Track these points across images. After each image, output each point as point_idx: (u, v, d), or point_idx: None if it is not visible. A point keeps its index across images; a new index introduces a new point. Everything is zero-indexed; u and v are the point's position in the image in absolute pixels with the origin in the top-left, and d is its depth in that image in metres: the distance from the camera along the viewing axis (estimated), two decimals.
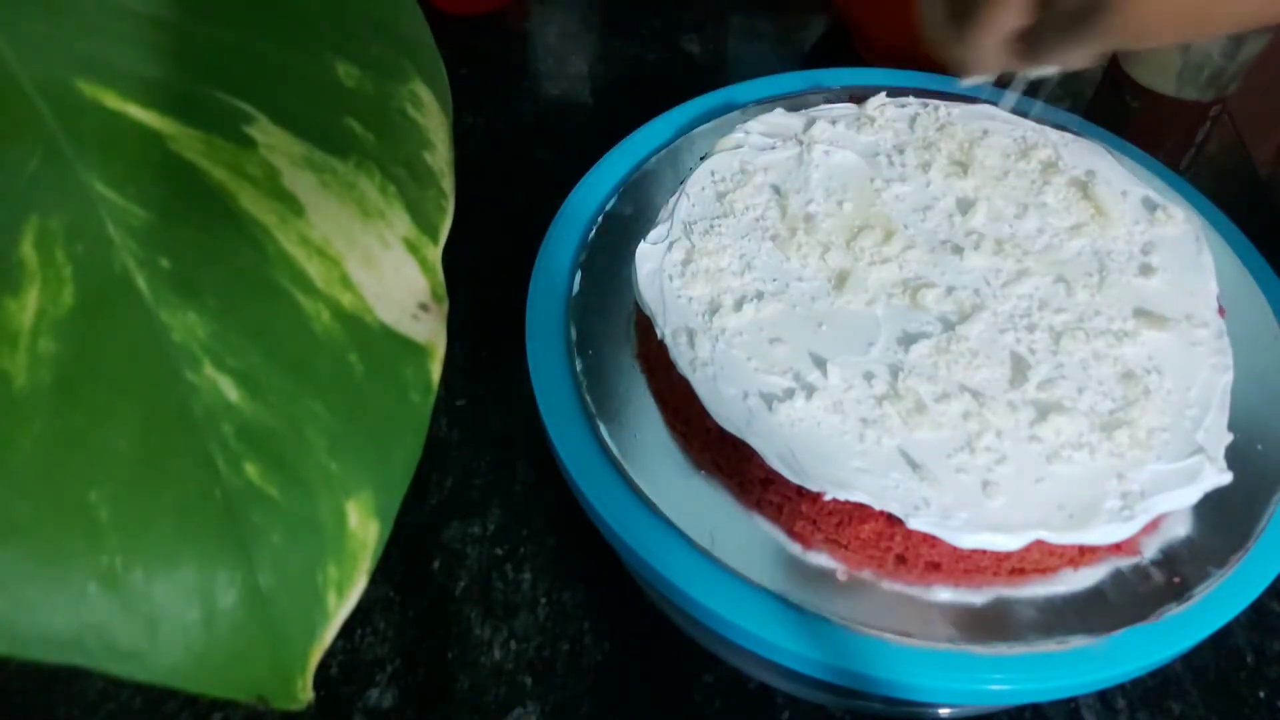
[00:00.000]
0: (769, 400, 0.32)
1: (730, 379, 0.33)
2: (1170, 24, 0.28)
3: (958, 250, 0.36)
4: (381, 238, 0.21)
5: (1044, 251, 0.37)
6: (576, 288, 0.38)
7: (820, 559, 0.31)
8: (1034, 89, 0.35)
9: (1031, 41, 0.30)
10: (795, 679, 0.36)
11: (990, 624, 0.30)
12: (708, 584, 0.31)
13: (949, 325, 0.34)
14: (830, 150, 0.40)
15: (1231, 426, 0.33)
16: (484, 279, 0.47)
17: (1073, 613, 0.30)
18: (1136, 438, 0.31)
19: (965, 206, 0.38)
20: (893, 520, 0.30)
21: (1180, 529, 0.32)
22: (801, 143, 0.41)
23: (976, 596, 0.31)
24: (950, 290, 0.35)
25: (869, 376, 0.33)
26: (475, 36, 0.66)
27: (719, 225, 0.37)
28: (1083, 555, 0.31)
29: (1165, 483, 0.31)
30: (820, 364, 0.33)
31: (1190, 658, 0.38)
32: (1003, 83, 0.36)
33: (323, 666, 0.37)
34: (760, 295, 0.35)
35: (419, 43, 0.25)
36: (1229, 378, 0.34)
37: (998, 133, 0.41)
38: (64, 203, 0.18)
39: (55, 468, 0.17)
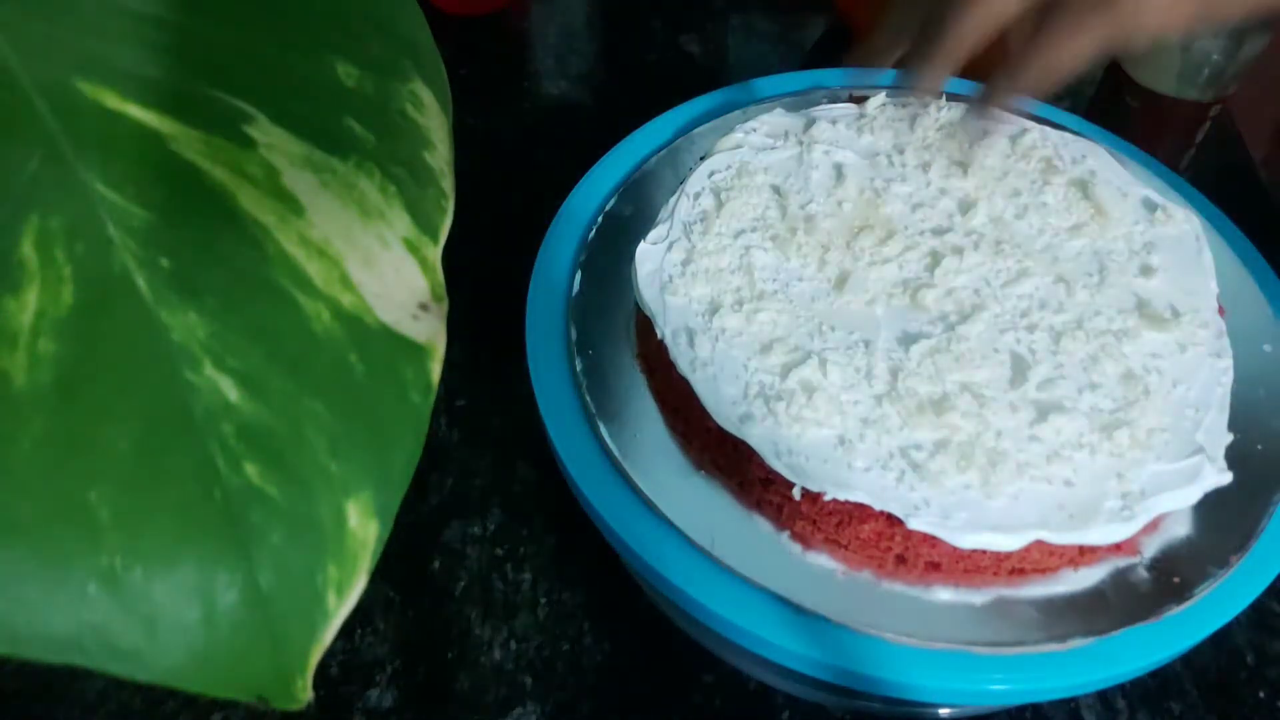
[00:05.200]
0: (769, 400, 0.32)
1: (730, 379, 0.33)
2: (1178, 12, 0.26)
3: (958, 250, 0.36)
4: (381, 238, 0.21)
5: (1044, 251, 0.37)
6: (576, 288, 0.38)
7: (820, 559, 0.31)
8: None
9: (1039, 31, 0.29)
10: (795, 679, 0.36)
11: (990, 624, 0.30)
12: (708, 584, 0.31)
13: (949, 325, 0.34)
14: (830, 150, 0.40)
15: (1231, 426, 0.33)
16: (484, 279, 0.47)
17: (1073, 613, 0.30)
18: (1136, 438, 0.31)
19: (965, 206, 0.38)
20: (893, 520, 0.30)
21: (1180, 529, 0.32)
22: (801, 143, 0.41)
23: (976, 596, 0.31)
24: (950, 290, 0.35)
25: (869, 376, 0.33)
26: (475, 36, 0.66)
27: (719, 225, 0.37)
28: (1083, 555, 0.31)
29: (1165, 483, 0.31)
30: (820, 364, 0.33)
31: (1190, 658, 0.38)
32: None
33: (323, 666, 0.37)
34: (760, 295, 0.35)
35: (419, 43, 0.25)
36: (1229, 378, 0.34)
37: (998, 133, 0.41)
38: (64, 203, 0.18)
39: (55, 468, 0.17)
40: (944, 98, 0.43)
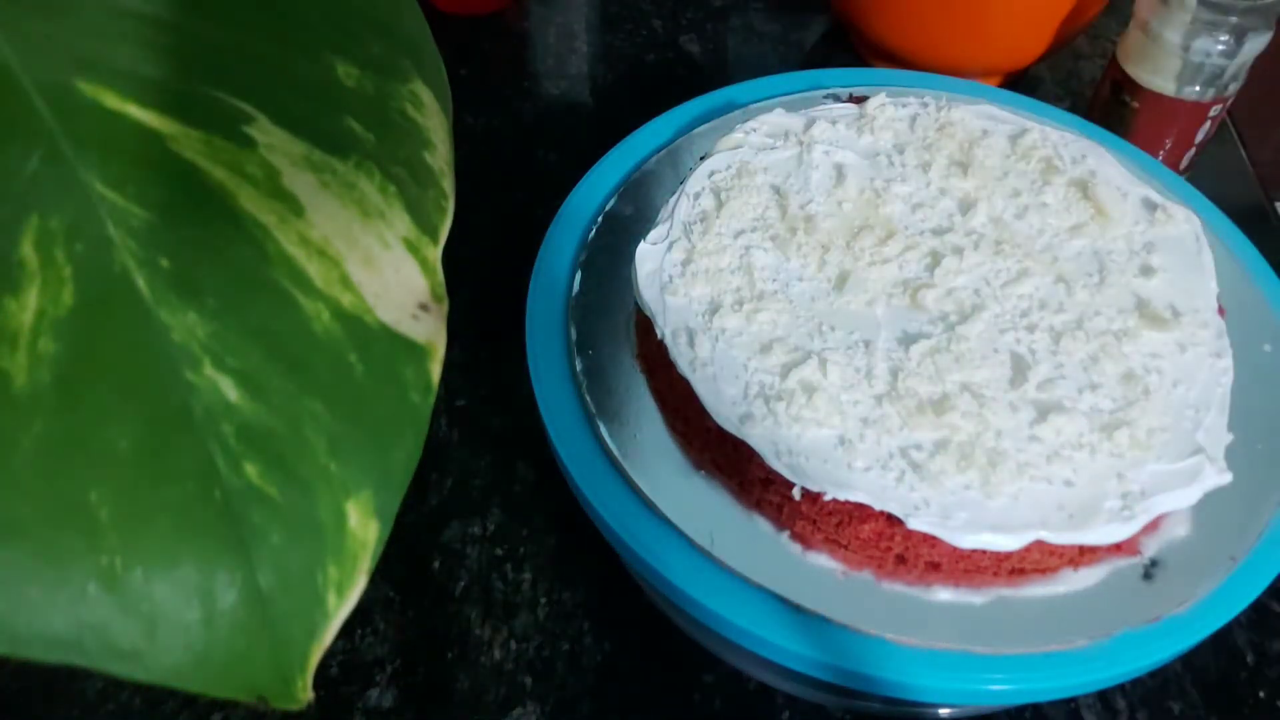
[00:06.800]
0: (769, 400, 0.32)
1: (730, 379, 0.33)
2: None
3: (958, 250, 0.36)
4: (381, 238, 0.21)
5: (1044, 251, 0.37)
6: (576, 288, 0.38)
7: (820, 559, 0.31)
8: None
9: None
10: (795, 679, 0.36)
11: (990, 624, 0.30)
12: (708, 584, 0.31)
13: (949, 325, 0.34)
14: (830, 150, 0.40)
15: (1231, 426, 0.33)
16: (484, 279, 0.47)
17: (1073, 613, 0.30)
18: (1136, 438, 0.31)
19: (965, 206, 0.38)
20: (893, 520, 0.30)
21: (1180, 529, 0.32)
22: (801, 143, 0.41)
23: (976, 596, 0.31)
24: (950, 290, 0.35)
25: (869, 376, 0.33)
26: (475, 36, 0.66)
27: (719, 225, 0.37)
28: (1083, 555, 0.31)
29: (1165, 483, 0.31)
30: (820, 364, 0.33)
31: (1190, 658, 0.38)
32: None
33: (323, 666, 0.37)
34: (760, 295, 0.35)
35: (419, 43, 0.25)
36: (1229, 378, 0.34)
37: (998, 133, 0.41)
38: (64, 203, 0.18)
39: (55, 468, 0.17)
40: (944, 97, 0.43)
